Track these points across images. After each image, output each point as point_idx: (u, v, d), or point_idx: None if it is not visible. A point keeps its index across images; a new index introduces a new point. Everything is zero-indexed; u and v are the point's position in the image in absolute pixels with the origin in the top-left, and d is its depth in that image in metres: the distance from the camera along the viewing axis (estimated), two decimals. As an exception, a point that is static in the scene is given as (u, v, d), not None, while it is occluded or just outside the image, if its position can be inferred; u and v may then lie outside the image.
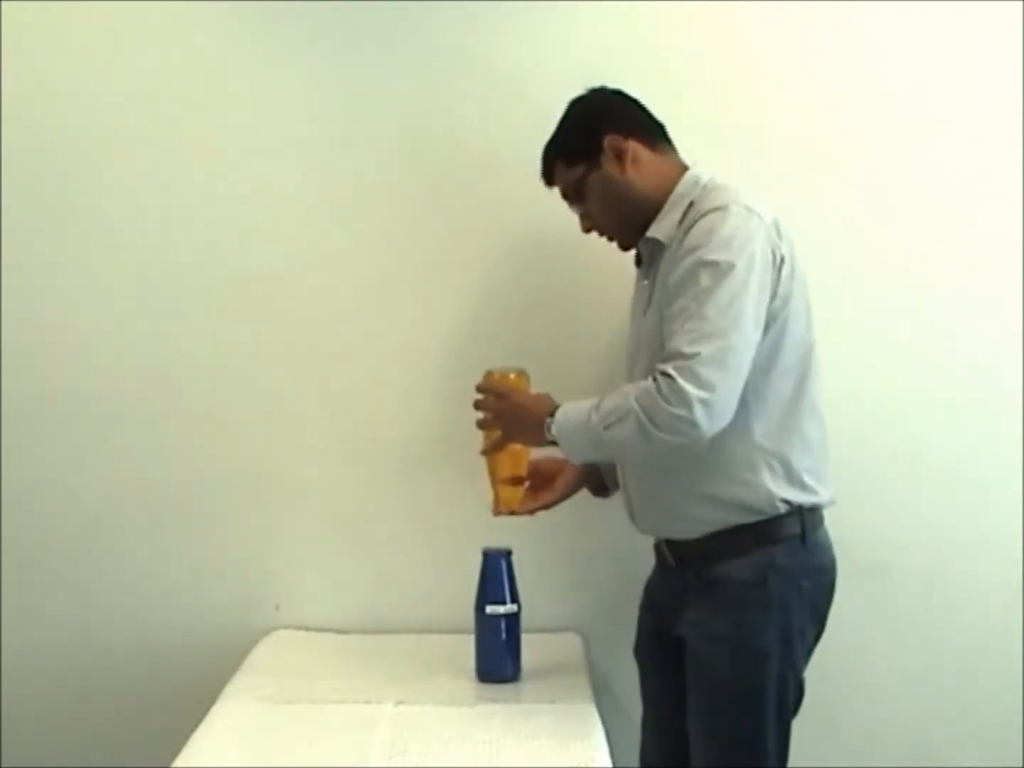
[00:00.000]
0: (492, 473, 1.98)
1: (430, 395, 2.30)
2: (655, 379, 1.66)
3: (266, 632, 2.31)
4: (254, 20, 2.26)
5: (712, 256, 1.69)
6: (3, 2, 2.23)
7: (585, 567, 2.29)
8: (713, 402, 1.62)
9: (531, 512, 2.00)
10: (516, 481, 1.98)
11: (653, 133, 1.91)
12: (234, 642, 2.23)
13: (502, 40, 2.25)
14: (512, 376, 1.95)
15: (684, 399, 1.62)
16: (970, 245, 2.28)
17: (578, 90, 2.06)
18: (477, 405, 1.90)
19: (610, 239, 1.95)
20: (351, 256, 2.29)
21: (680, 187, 1.85)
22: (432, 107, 2.26)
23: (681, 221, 1.81)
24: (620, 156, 1.86)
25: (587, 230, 1.96)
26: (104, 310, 2.31)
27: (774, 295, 1.74)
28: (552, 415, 1.77)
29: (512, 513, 1.99)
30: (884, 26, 2.23)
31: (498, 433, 1.90)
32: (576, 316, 2.25)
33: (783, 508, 1.79)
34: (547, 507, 2.02)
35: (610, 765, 1.73)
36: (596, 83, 1.96)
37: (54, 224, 2.29)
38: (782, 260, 1.74)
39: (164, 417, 2.32)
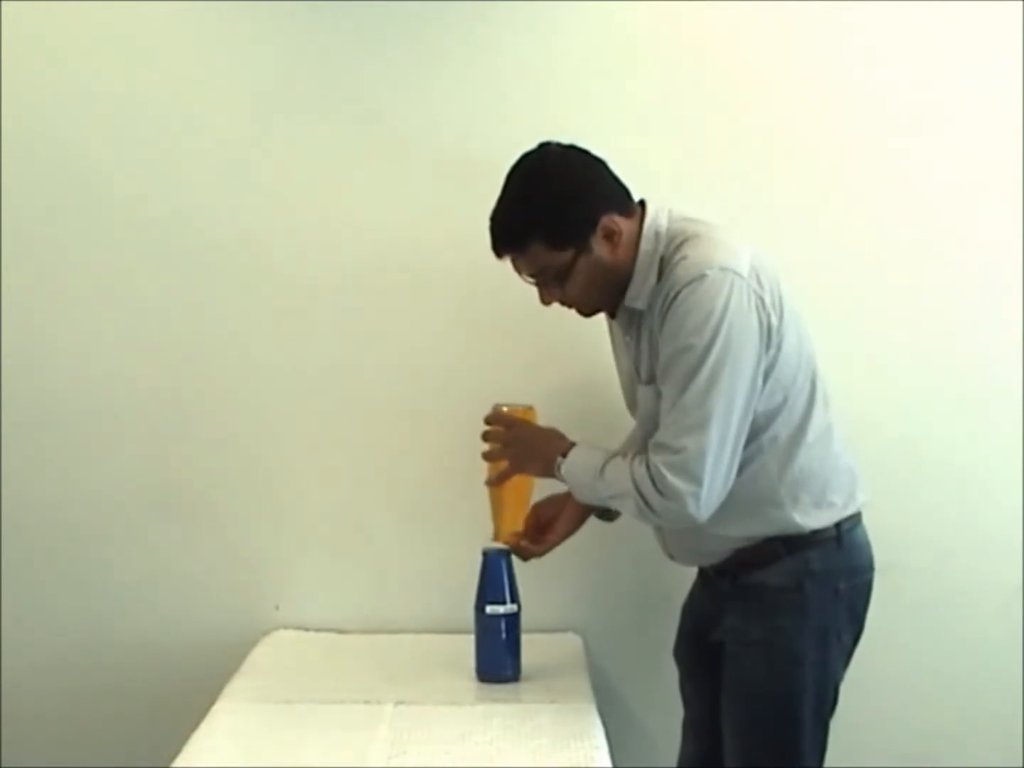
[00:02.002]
0: (494, 504, 1.99)
1: (431, 396, 2.29)
2: (648, 467, 1.70)
3: (266, 632, 2.31)
4: (254, 19, 2.25)
5: (690, 340, 1.67)
6: (3, 2, 2.23)
7: (585, 567, 2.29)
8: (702, 494, 1.68)
9: (539, 555, 2.00)
10: (517, 535, 1.99)
11: (625, 196, 1.79)
12: (234, 642, 2.23)
13: (507, 40, 2.25)
14: (521, 410, 1.97)
15: (676, 494, 1.68)
16: (970, 244, 2.28)
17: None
18: (485, 436, 1.91)
19: (570, 307, 1.85)
20: (354, 265, 2.28)
21: (644, 245, 1.76)
22: (441, 117, 2.26)
23: (658, 280, 1.75)
24: (611, 237, 1.75)
25: (549, 303, 1.83)
26: (104, 311, 2.30)
27: (767, 349, 1.72)
28: (565, 455, 1.82)
29: (517, 553, 2.01)
30: (884, 26, 2.23)
31: (504, 465, 1.91)
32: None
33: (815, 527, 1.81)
34: (547, 551, 2.01)
35: (610, 765, 1.73)
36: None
37: (54, 224, 2.29)
38: (768, 314, 1.71)
39: (165, 418, 2.32)
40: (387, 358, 2.31)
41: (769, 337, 1.71)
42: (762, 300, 1.70)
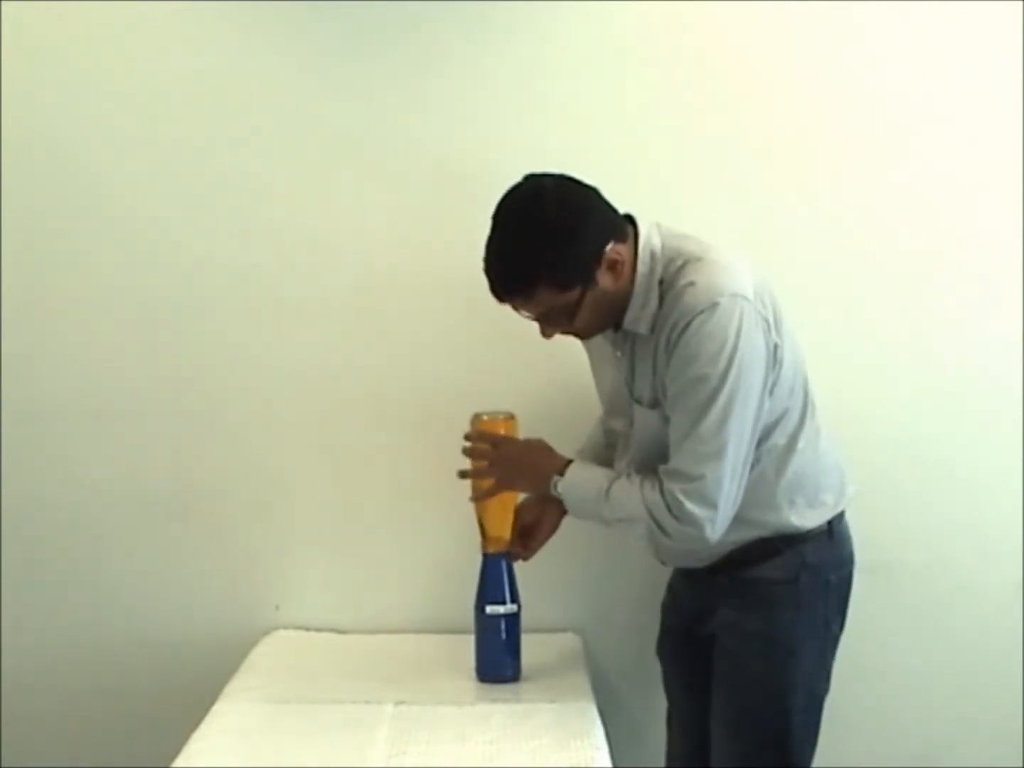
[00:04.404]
0: (480, 515, 2.01)
1: (432, 398, 2.29)
2: (663, 494, 1.72)
3: (266, 632, 2.31)
4: (255, 18, 2.25)
5: (705, 370, 1.67)
6: (3, 2, 2.23)
7: (585, 567, 2.30)
8: (718, 518, 1.71)
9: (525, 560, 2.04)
10: (504, 543, 2.01)
11: (620, 221, 1.76)
12: (234, 642, 2.24)
13: (505, 42, 2.25)
14: (501, 419, 1.98)
15: (693, 520, 1.70)
16: (971, 244, 2.28)
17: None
18: (470, 454, 1.93)
19: (569, 335, 1.84)
20: (351, 265, 2.28)
21: (640, 267, 1.74)
22: (434, 117, 2.25)
23: (660, 304, 1.74)
24: (613, 267, 1.72)
25: (551, 336, 1.81)
26: (102, 313, 2.30)
27: (773, 368, 1.74)
28: (562, 473, 1.83)
29: (506, 555, 2.02)
30: (884, 26, 2.23)
31: (490, 482, 1.93)
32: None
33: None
34: (531, 556, 2.04)
35: (610, 765, 1.73)
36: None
37: (55, 225, 2.29)
38: (773, 335, 1.73)
39: (165, 418, 2.32)
40: (388, 361, 2.30)
41: (774, 358, 1.73)
42: (767, 322, 1.72)
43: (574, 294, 1.71)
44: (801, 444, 1.81)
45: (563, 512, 1.98)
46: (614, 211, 1.76)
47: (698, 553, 1.87)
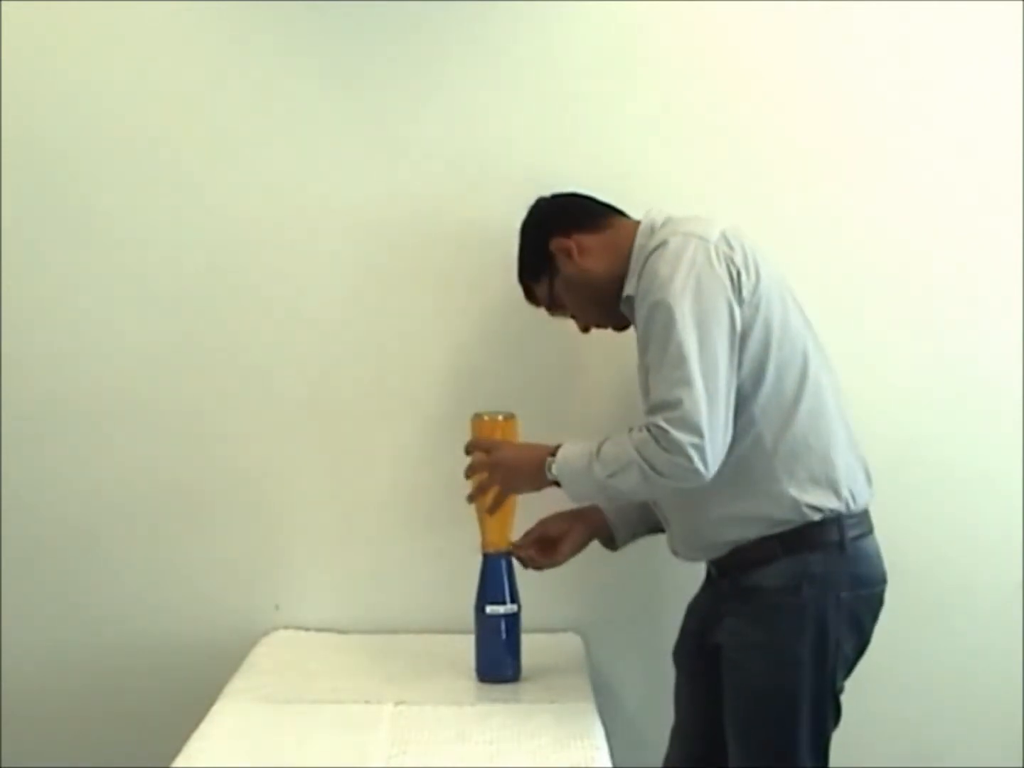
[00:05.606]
0: (481, 517, 2.01)
1: (428, 399, 2.30)
2: (648, 429, 1.72)
3: (266, 632, 2.31)
4: (255, 19, 2.25)
5: (658, 297, 1.73)
6: (3, 2, 2.23)
7: (585, 567, 2.28)
8: (705, 446, 1.69)
9: (542, 569, 2.06)
10: (504, 543, 2.03)
11: (592, 216, 1.94)
12: (234, 642, 2.23)
13: (506, 39, 2.26)
14: (501, 419, 1.99)
15: (680, 448, 1.69)
16: (970, 244, 2.28)
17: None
18: (469, 469, 1.95)
19: (606, 327, 1.99)
20: (350, 265, 2.29)
21: (638, 240, 1.87)
22: (440, 115, 2.26)
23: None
24: (569, 254, 1.90)
25: (584, 330, 2.01)
26: (105, 312, 2.30)
27: (740, 304, 1.75)
28: (553, 454, 1.83)
29: (520, 561, 2.04)
30: (884, 26, 2.23)
31: (496, 490, 1.94)
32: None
33: (815, 515, 1.80)
34: (552, 567, 2.06)
35: (610, 765, 1.73)
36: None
37: (55, 225, 2.29)
38: (738, 272, 1.75)
39: (165, 418, 2.32)
40: (388, 360, 2.30)
41: (741, 291, 1.75)
42: (732, 258, 1.76)
43: (545, 284, 1.96)
44: (801, 412, 1.79)
45: (592, 533, 2.03)
46: (590, 209, 1.96)
47: (704, 538, 1.87)
